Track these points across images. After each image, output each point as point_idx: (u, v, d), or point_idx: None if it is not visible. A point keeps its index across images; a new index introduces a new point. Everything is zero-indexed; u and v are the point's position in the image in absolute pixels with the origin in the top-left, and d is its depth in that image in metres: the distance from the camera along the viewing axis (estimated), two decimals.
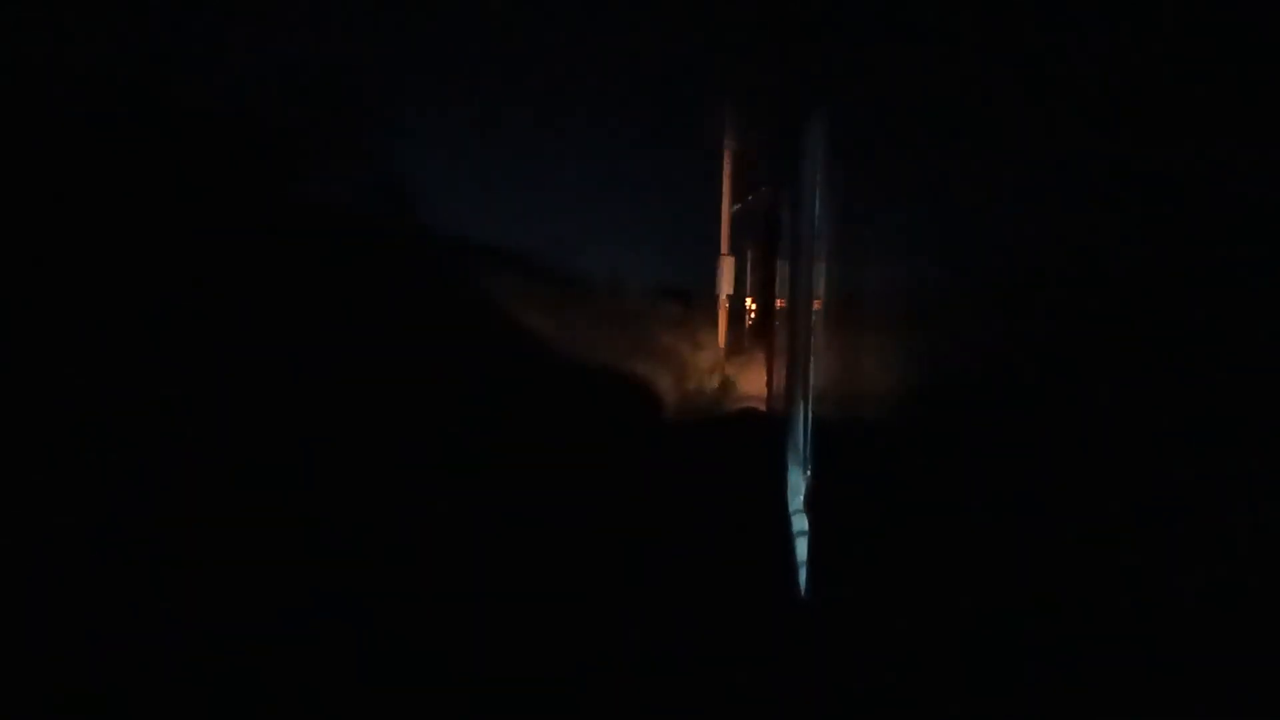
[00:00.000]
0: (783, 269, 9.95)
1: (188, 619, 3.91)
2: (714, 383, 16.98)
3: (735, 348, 18.75)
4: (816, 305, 5.34)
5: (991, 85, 1.43)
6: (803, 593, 4.59)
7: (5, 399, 4.25)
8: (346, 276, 7.47)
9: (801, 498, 5.76)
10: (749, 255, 19.31)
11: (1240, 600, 0.71)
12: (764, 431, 10.63)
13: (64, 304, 4.58)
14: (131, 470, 4.36)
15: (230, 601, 4.14)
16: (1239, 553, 0.71)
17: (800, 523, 5.47)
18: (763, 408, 13.15)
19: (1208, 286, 0.78)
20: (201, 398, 5.11)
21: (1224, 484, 0.74)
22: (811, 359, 5.58)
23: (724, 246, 17.27)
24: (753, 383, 15.92)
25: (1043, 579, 1.07)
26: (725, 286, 17.42)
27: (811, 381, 5.56)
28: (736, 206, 16.93)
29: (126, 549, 4.10)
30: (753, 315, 20.55)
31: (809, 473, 5.51)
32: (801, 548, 4.99)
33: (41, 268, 4.53)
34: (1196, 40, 0.82)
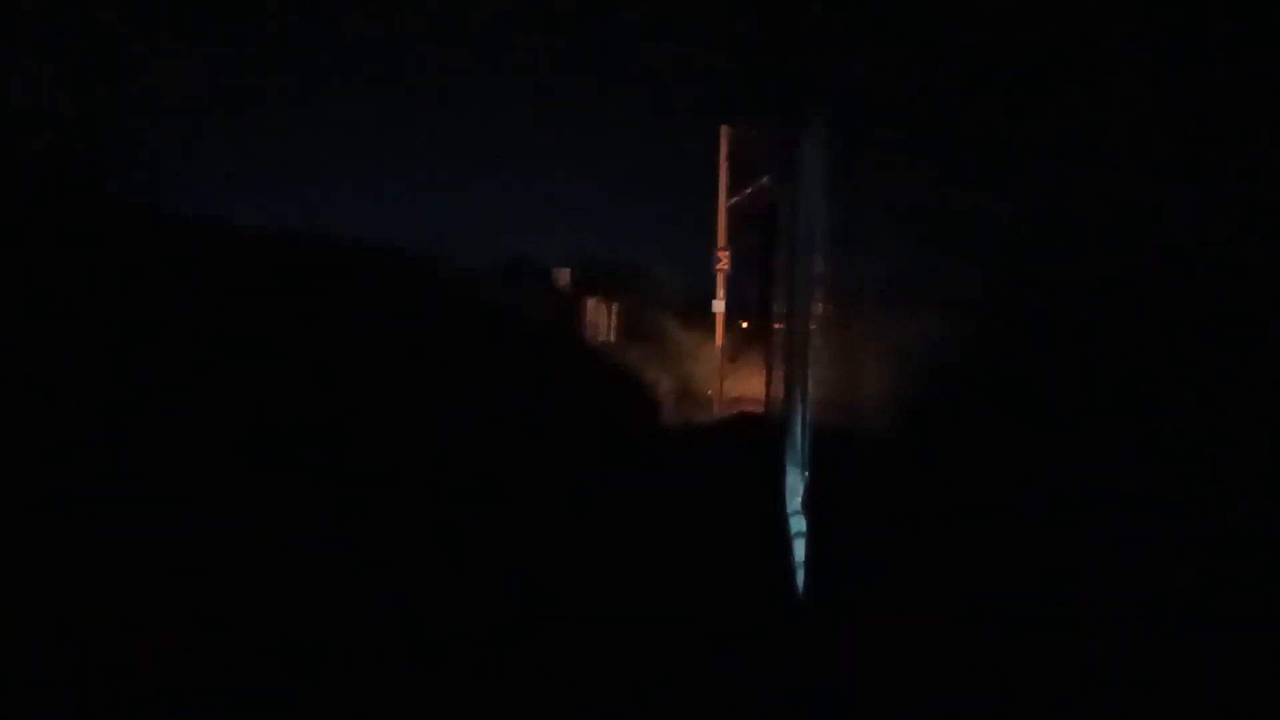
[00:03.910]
0: (781, 271, 9.96)
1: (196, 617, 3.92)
2: (714, 384, 16.97)
3: (735, 350, 18.76)
4: (814, 308, 5.35)
5: (990, 88, 1.44)
6: (801, 593, 4.60)
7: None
8: (351, 284, 7.47)
9: (799, 499, 5.77)
10: (749, 258, 19.31)
11: (1238, 599, 0.72)
12: (763, 433, 10.64)
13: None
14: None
15: (229, 604, 4.15)
16: (1237, 552, 0.72)
17: (798, 524, 5.48)
18: (761, 410, 13.16)
19: (1206, 287, 0.79)
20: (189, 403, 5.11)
21: (1222, 484, 0.74)
22: (810, 361, 5.59)
23: (721, 242, 17.22)
24: (752, 384, 15.91)
25: (1040, 579, 1.08)
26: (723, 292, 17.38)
27: (810, 384, 5.57)
28: (733, 201, 16.96)
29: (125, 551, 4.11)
30: (751, 319, 20.56)
31: (807, 474, 5.52)
32: (799, 548, 5.00)
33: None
34: (1193, 41, 0.83)
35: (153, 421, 4.82)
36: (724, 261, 17.09)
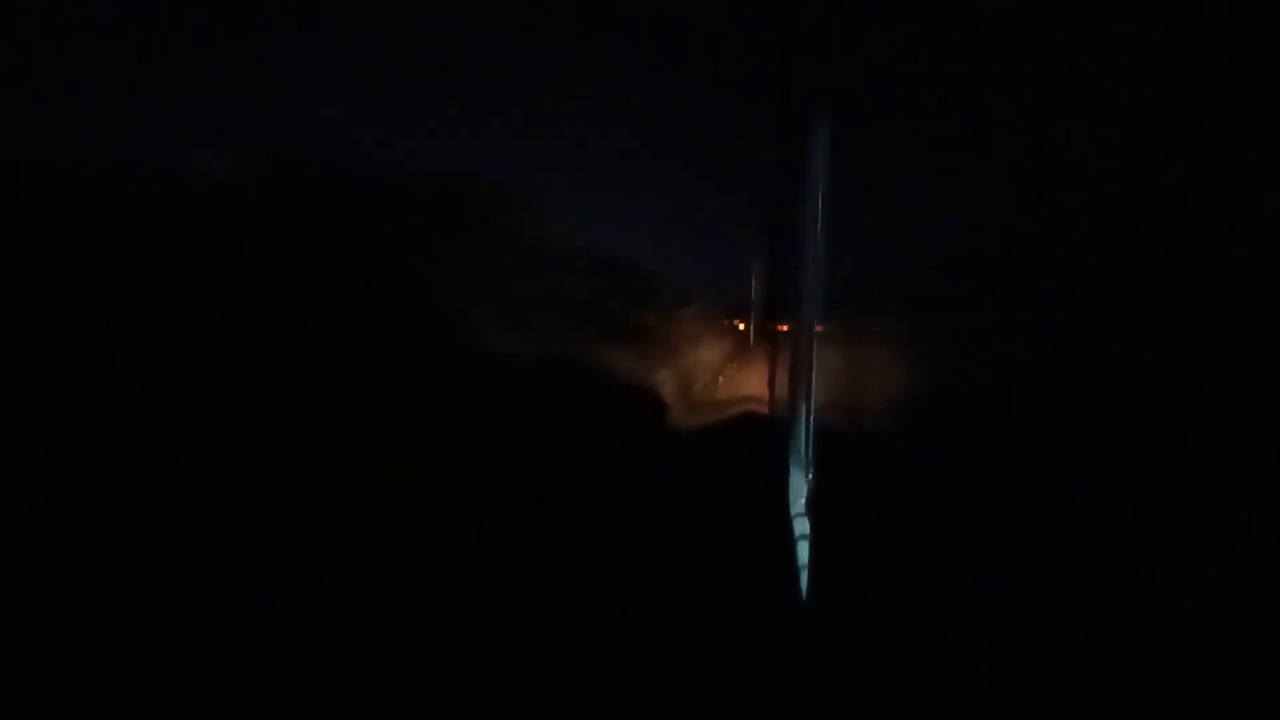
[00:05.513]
0: (784, 272, 9.91)
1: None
2: (716, 386, 16.95)
3: (737, 350, 18.72)
4: (816, 308, 5.34)
5: (993, 87, 1.43)
6: (804, 594, 4.59)
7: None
8: (354, 276, 7.45)
9: (803, 501, 5.76)
10: (750, 258, 19.20)
11: (1238, 599, 0.71)
12: (766, 435, 10.62)
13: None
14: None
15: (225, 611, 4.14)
16: (1237, 553, 0.71)
17: (801, 526, 5.47)
18: (765, 411, 13.12)
19: (1208, 287, 0.78)
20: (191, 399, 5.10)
21: (1223, 485, 0.74)
22: (814, 362, 5.58)
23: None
24: (755, 386, 15.88)
25: (1041, 579, 1.07)
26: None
27: (814, 385, 5.56)
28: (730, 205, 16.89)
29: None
30: (747, 319, 20.40)
31: (810, 476, 5.51)
32: (803, 550, 4.99)
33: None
34: (1194, 40, 0.82)
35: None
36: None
